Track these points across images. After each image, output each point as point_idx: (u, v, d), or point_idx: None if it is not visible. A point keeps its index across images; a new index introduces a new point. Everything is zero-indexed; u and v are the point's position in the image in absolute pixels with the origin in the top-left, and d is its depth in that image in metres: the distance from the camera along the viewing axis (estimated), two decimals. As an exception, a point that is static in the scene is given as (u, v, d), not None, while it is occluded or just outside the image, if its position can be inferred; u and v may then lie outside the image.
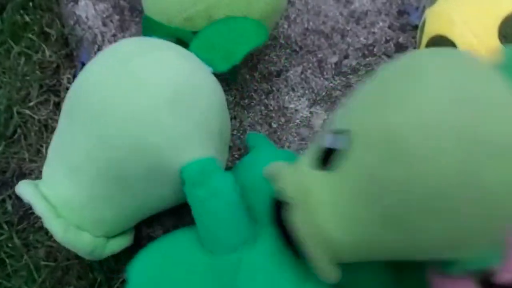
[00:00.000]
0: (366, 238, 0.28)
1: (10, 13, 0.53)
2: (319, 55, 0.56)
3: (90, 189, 0.37)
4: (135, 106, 0.36)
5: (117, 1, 0.57)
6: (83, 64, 0.52)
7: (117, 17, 0.56)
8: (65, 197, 0.37)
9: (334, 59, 0.55)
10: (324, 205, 0.29)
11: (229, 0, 0.43)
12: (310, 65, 0.55)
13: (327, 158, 0.30)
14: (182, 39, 0.44)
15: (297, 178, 0.30)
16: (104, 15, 0.56)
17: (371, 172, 0.27)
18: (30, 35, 0.53)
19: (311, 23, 0.57)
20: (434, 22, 0.45)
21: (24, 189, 0.37)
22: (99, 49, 0.55)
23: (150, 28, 0.46)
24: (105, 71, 0.38)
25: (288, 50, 0.56)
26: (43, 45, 0.54)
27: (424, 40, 0.46)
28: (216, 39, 0.44)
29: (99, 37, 0.55)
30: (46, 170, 0.39)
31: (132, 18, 0.56)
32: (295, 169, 0.31)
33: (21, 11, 0.54)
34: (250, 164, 0.41)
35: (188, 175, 0.36)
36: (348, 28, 0.57)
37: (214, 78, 0.41)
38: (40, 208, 0.36)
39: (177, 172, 0.36)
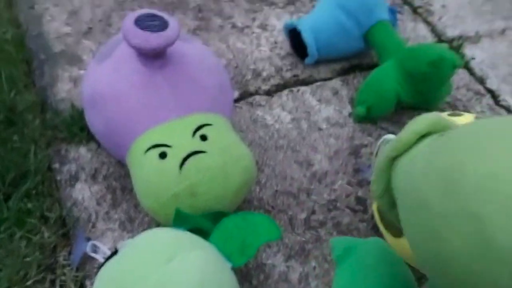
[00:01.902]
0: None
1: (16, 201, 0.60)
2: (289, 213, 0.63)
3: None
4: None
5: (110, 182, 0.65)
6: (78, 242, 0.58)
7: (109, 196, 0.64)
8: None
9: (303, 215, 0.63)
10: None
11: (209, 178, 0.50)
12: (282, 222, 0.62)
13: None
14: (202, 228, 0.50)
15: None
16: (98, 196, 0.64)
17: None
18: (32, 220, 0.60)
19: (279, 185, 0.66)
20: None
21: None
22: (93, 226, 0.61)
23: (180, 219, 0.51)
24: (144, 268, 0.42)
25: (261, 210, 0.63)
26: (43, 227, 0.60)
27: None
28: (234, 232, 0.50)
29: (93, 216, 0.62)
30: None
31: (123, 197, 0.64)
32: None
33: (25, 199, 0.61)
34: None
35: None
36: (312, 187, 0.66)
37: (234, 276, 0.47)
38: None
39: None
